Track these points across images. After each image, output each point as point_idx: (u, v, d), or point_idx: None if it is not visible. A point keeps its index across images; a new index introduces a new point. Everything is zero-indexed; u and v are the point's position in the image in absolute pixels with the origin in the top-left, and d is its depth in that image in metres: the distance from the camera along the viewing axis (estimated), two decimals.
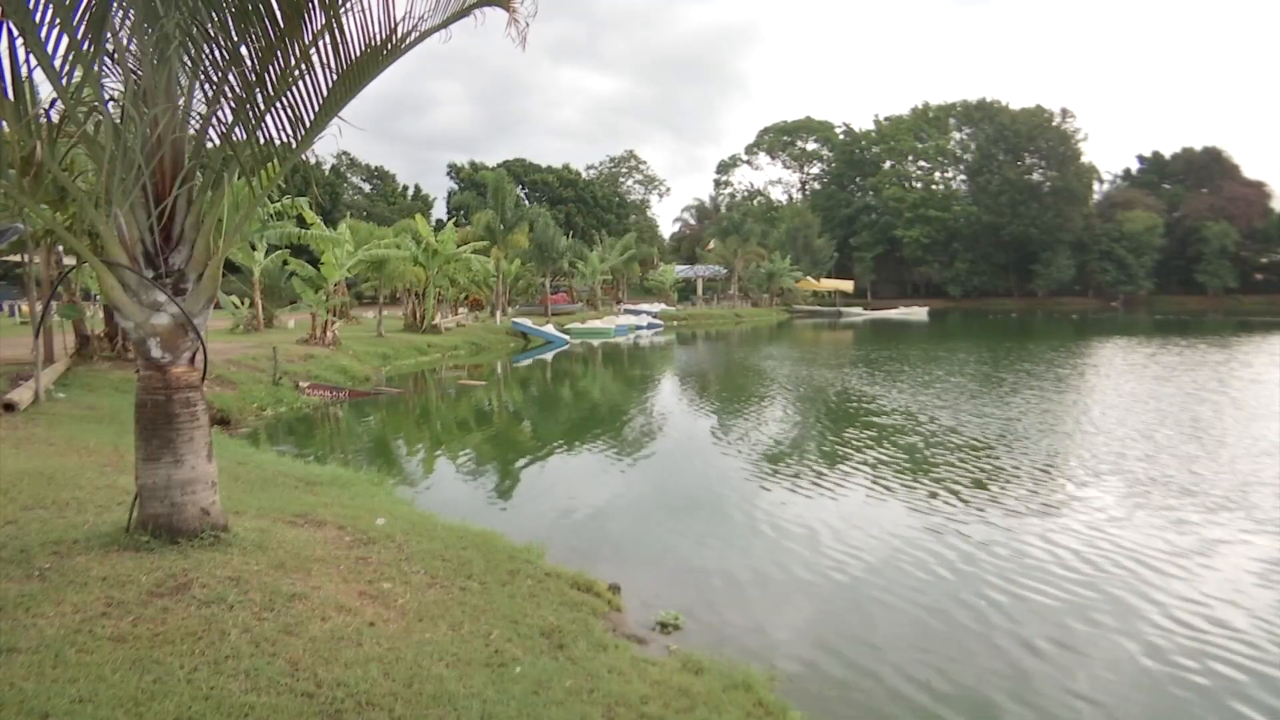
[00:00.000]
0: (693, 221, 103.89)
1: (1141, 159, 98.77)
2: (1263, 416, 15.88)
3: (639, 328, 47.53)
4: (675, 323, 55.18)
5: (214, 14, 4.77)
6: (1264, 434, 13.92)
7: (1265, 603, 6.77)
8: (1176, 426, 14.76)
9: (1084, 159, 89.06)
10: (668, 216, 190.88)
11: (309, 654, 4.02)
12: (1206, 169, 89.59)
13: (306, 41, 4.93)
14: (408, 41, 5.16)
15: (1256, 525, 8.84)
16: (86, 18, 4.62)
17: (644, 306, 56.70)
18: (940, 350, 33.37)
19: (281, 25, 4.82)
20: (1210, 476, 10.97)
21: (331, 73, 5.10)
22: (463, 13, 5.13)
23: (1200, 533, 8.59)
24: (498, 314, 42.67)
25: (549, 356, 32.43)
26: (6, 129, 4.88)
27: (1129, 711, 5.17)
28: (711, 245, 73.34)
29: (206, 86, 5.13)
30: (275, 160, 5.32)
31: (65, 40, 4.60)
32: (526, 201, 71.98)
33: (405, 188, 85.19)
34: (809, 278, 77.05)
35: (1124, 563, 7.69)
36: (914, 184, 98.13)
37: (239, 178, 5.59)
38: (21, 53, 4.56)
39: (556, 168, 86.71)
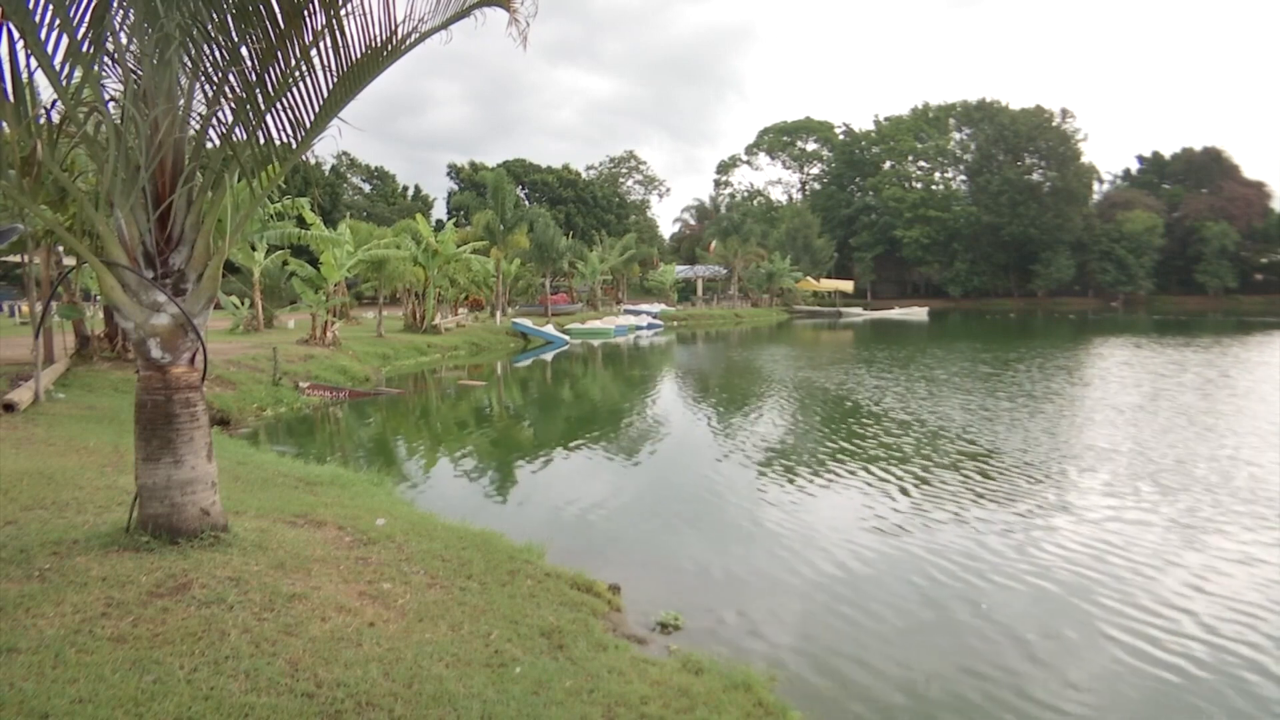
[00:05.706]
0: (693, 222, 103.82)
1: (1141, 159, 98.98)
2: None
3: (639, 328, 47.53)
4: (675, 323, 55.16)
5: (214, 14, 4.77)
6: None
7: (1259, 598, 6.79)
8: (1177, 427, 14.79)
9: (1084, 159, 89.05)
10: (668, 217, 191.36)
11: (309, 654, 4.02)
12: (1206, 169, 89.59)
13: (307, 42, 4.94)
14: (408, 42, 5.17)
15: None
16: (86, 18, 4.62)
17: (644, 307, 56.73)
18: (941, 352, 33.36)
19: (281, 25, 4.82)
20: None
21: (332, 73, 5.10)
22: (463, 13, 5.13)
23: (1196, 533, 8.60)
24: (498, 314, 42.65)
25: (549, 357, 32.42)
26: (6, 129, 4.89)
27: (1124, 711, 5.17)
28: (712, 246, 73.31)
29: (207, 87, 5.13)
30: (275, 161, 5.32)
31: (65, 40, 4.61)
32: (526, 202, 71.98)
33: (405, 188, 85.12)
34: (809, 278, 77.02)
35: (1122, 563, 7.69)
36: (914, 184, 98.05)
37: (239, 179, 5.59)
38: (21, 53, 4.57)
39: (556, 168, 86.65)
